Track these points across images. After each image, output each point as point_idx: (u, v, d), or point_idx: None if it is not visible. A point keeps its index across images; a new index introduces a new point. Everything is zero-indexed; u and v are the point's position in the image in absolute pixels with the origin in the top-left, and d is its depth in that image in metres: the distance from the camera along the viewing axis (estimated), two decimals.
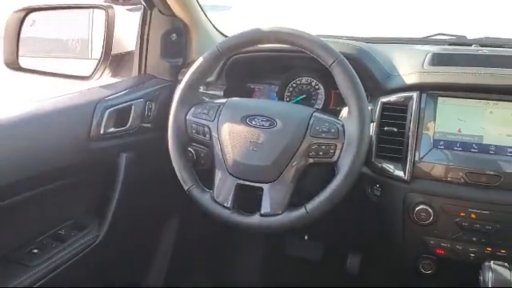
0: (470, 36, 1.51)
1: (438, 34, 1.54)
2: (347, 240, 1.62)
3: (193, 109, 1.11)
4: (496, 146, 1.06)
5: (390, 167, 1.12)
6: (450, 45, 1.48)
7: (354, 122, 1.00)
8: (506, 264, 0.98)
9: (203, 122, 1.09)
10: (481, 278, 0.98)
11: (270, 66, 1.41)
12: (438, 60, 1.23)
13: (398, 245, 1.18)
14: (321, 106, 1.37)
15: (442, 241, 1.11)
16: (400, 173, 1.10)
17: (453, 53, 1.29)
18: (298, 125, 1.04)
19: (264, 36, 1.08)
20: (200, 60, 1.11)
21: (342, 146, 1.01)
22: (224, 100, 1.13)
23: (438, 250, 1.12)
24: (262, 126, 1.05)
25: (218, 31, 1.52)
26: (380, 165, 1.13)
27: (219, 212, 1.06)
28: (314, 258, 1.73)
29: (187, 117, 1.11)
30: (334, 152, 1.01)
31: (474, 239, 1.08)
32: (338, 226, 1.52)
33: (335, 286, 1.60)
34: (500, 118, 1.07)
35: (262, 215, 1.04)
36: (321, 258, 1.72)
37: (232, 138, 1.06)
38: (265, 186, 1.04)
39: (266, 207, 1.04)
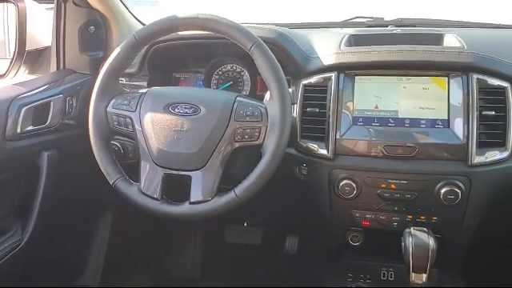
0: (387, 18, 1.58)
1: (357, 17, 1.60)
2: (284, 222, 1.65)
3: (113, 100, 1.09)
4: (410, 119, 1.12)
5: (314, 146, 1.15)
6: (368, 27, 1.54)
7: (275, 105, 1.02)
8: (424, 229, 1.05)
9: (124, 113, 1.07)
10: (402, 243, 1.03)
11: (195, 54, 1.40)
12: (355, 41, 1.28)
13: (327, 220, 1.22)
14: (248, 92, 1.39)
15: (367, 213, 1.16)
16: (323, 151, 1.14)
17: (368, 33, 1.35)
18: (222, 110, 1.05)
19: (181, 23, 1.07)
20: (117, 50, 1.08)
21: (266, 129, 1.02)
22: (145, 89, 1.11)
23: (364, 221, 1.18)
24: (186, 113, 1.04)
25: (140, 22, 1.49)
26: (305, 145, 1.16)
27: (147, 203, 1.05)
28: (254, 243, 1.75)
29: (108, 109, 1.08)
30: (259, 134, 1.03)
31: (396, 208, 1.14)
32: (273, 210, 1.55)
33: (275, 268, 1.64)
34: (413, 93, 1.13)
35: (191, 203, 1.04)
36: (260, 242, 1.74)
37: (155, 127, 1.05)
38: (193, 174, 1.04)
39: (195, 195, 1.04)
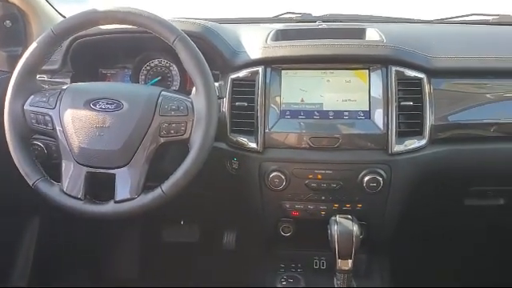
0: (316, 13, 1.62)
1: (286, 13, 1.63)
2: (220, 218, 1.66)
3: (31, 98, 1.04)
4: (334, 111, 1.15)
5: (244, 140, 1.16)
6: (297, 22, 1.57)
7: (201, 98, 1.02)
8: (349, 216, 1.08)
9: (43, 110, 1.03)
10: (329, 231, 1.06)
11: (122, 49, 1.37)
12: (282, 36, 1.30)
13: (259, 213, 1.24)
14: (177, 87, 1.37)
15: (296, 203, 1.19)
16: (253, 144, 1.15)
17: (295, 28, 1.37)
18: (146, 105, 1.03)
19: (102, 16, 1.04)
20: (34, 45, 1.03)
21: (193, 123, 1.02)
22: (65, 86, 1.07)
23: (294, 212, 1.20)
24: (108, 109, 1.02)
25: (63, 16, 1.43)
26: (235, 139, 1.17)
27: (70, 204, 1.02)
28: (191, 240, 1.74)
29: (25, 107, 1.04)
30: (185, 129, 1.02)
31: (323, 198, 1.17)
32: (208, 206, 1.55)
33: (213, 265, 1.64)
34: (336, 86, 1.17)
35: (116, 202, 1.01)
36: (198, 239, 1.74)
37: (76, 124, 1.01)
38: (117, 172, 1.02)
39: (120, 193, 1.02)
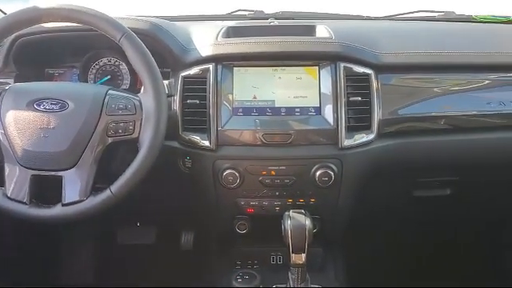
0: (268, 11, 1.63)
1: (239, 10, 1.63)
2: (177, 218, 1.64)
3: None
4: (286, 107, 1.16)
5: (196, 138, 1.15)
6: (250, 19, 1.58)
7: (149, 97, 1.00)
8: (302, 211, 1.09)
9: None
10: (282, 226, 1.07)
11: (68, 48, 1.32)
12: (233, 33, 1.29)
13: (214, 211, 1.23)
14: (128, 86, 1.35)
15: (251, 200, 1.19)
16: (206, 142, 1.14)
17: (246, 25, 1.38)
18: (92, 104, 1.00)
19: (44, 13, 1.00)
20: None
21: (141, 122, 1.00)
22: (7, 86, 1.03)
23: (249, 209, 1.21)
24: (52, 109, 0.99)
25: (4, 13, 1.37)
26: (187, 137, 1.16)
27: (15, 208, 0.98)
28: (148, 242, 1.71)
29: None
30: (134, 128, 1.00)
31: (277, 193, 1.18)
32: (164, 206, 1.53)
33: (170, 266, 1.62)
34: (287, 82, 1.18)
35: (64, 205, 0.98)
36: (154, 241, 1.71)
37: (18, 126, 0.98)
38: (64, 174, 0.99)
39: (68, 195, 0.99)
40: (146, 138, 0.99)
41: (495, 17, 1.57)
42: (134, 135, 1.00)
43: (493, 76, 1.25)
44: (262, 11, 1.62)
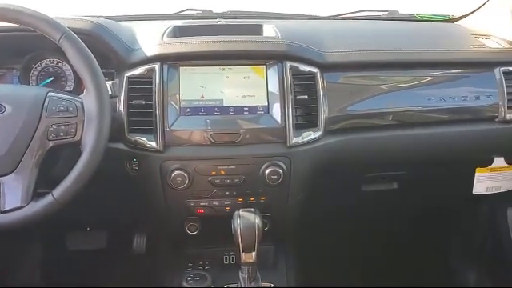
0: (216, 10, 1.62)
1: (187, 10, 1.62)
2: (128, 221, 1.61)
3: None
4: (234, 107, 1.16)
5: (143, 139, 1.13)
6: (198, 19, 1.56)
7: (91, 98, 0.98)
8: (252, 209, 1.09)
9: None
10: (232, 225, 1.07)
11: (6, 49, 1.26)
12: (179, 32, 1.28)
13: (164, 213, 1.22)
14: (72, 88, 1.30)
15: (201, 201, 1.18)
16: (153, 143, 1.12)
17: (193, 25, 1.37)
18: (31, 107, 0.97)
19: None
20: None
21: (83, 124, 0.98)
22: None
23: (199, 210, 1.19)
24: None
25: None
26: (133, 138, 1.13)
27: None
28: (99, 247, 1.67)
29: None
30: (76, 131, 0.98)
31: (227, 193, 1.18)
32: (113, 210, 1.49)
33: (122, 271, 1.59)
34: (235, 82, 1.17)
35: (3, 212, 0.94)
36: (106, 245, 1.67)
37: None
38: (3, 179, 0.95)
39: (7, 202, 0.95)
40: (89, 140, 0.96)
41: (436, 15, 1.64)
42: (76, 138, 0.97)
43: (435, 73, 1.29)
44: (210, 11, 1.61)
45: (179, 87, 1.15)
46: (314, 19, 1.59)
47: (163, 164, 1.14)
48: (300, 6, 1.67)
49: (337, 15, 1.60)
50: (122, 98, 1.14)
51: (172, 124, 1.13)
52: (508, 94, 1.27)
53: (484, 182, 1.36)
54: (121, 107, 1.13)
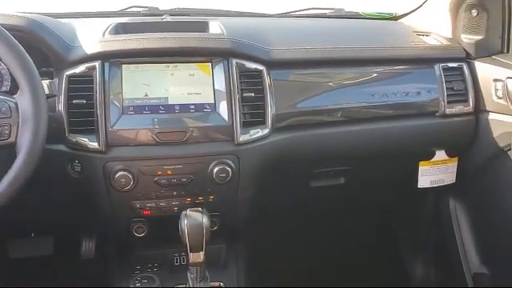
0: (163, 7, 1.59)
1: (132, 7, 1.58)
2: (74, 225, 1.55)
3: None
4: (180, 104, 1.14)
5: (84, 140, 1.09)
6: (143, 16, 1.53)
7: (26, 98, 0.93)
8: (200, 209, 1.07)
9: None
10: (179, 226, 1.05)
11: None
12: (122, 29, 1.25)
13: (109, 216, 1.18)
14: (8, 88, 1.23)
15: (147, 202, 1.16)
16: (95, 144, 1.09)
17: (137, 22, 1.33)
18: None
19: None
20: None
21: (18, 125, 0.93)
22: None
23: (145, 211, 1.17)
24: None
25: None
26: (74, 139, 1.09)
27: None
28: (45, 253, 1.60)
29: None
30: (10, 132, 0.93)
31: (175, 193, 1.15)
32: (58, 213, 1.43)
33: (71, 276, 1.53)
34: (180, 79, 1.15)
35: None
36: (52, 251, 1.60)
37: None
38: None
39: None
40: (25, 142, 0.92)
41: (380, 14, 1.68)
42: (11, 140, 0.93)
43: (379, 69, 1.32)
44: (156, 8, 1.58)
45: (121, 85, 1.12)
46: (261, 17, 1.59)
47: (106, 165, 1.10)
48: (248, 4, 1.67)
49: (284, 13, 1.61)
50: (62, 97, 1.10)
51: (114, 123, 1.09)
52: (447, 89, 1.31)
53: (428, 176, 1.40)
54: (60, 107, 1.09)
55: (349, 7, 1.68)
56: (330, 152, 1.31)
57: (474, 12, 1.35)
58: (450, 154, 1.41)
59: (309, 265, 1.66)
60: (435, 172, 1.41)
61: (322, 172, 1.38)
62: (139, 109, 1.12)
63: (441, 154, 1.40)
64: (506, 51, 1.37)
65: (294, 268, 1.61)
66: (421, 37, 1.44)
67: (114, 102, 1.10)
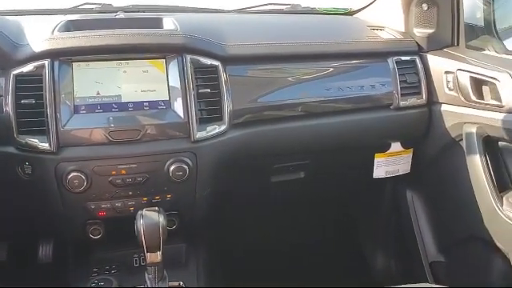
0: (117, 4, 1.56)
1: (85, 4, 1.54)
2: (29, 229, 1.49)
3: None
4: (133, 102, 1.11)
5: (34, 141, 1.06)
6: (97, 13, 1.49)
7: None
8: (156, 208, 1.06)
9: None
10: (135, 226, 1.03)
11: None
12: (73, 26, 1.22)
13: (63, 218, 1.15)
14: None
15: (102, 202, 1.13)
16: (45, 145, 1.06)
17: (88, 19, 1.30)
18: None
19: None
20: None
21: None
22: None
23: (101, 212, 1.14)
24: None
25: None
26: (24, 141, 1.06)
27: None
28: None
29: None
30: None
31: (130, 193, 1.13)
32: (12, 218, 1.38)
33: (28, 283, 1.48)
34: (133, 76, 1.13)
35: None
36: (6, 258, 1.54)
37: None
38: None
39: None
40: None
41: (336, 9, 1.70)
42: None
43: (335, 64, 1.33)
44: (110, 4, 1.55)
45: (72, 84, 1.09)
46: (217, 12, 1.58)
47: (58, 166, 1.07)
48: (204, 0, 1.65)
49: (240, 9, 1.60)
50: (10, 97, 1.06)
51: (66, 123, 1.06)
52: (401, 82, 1.34)
53: (383, 167, 1.43)
54: (8, 108, 1.06)
55: (305, 3, 1.69)
56: (289, 146, 1.32)
57: (425, 6, 1.38)
58: (405, 146, 1.44)
59: (271, 261, 1.66)
60: (390, 163, 1.44)
61: (282, 167, 1.38)
62: (91, 107, 1.09)
63: (396, 146, 1.43)
64: (456, 44, 1.41)
65: (256, 265, 1.61)
66: (375, 31, 1.46)
67: (65, 101, 1.07)
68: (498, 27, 1.40)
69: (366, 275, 1.75)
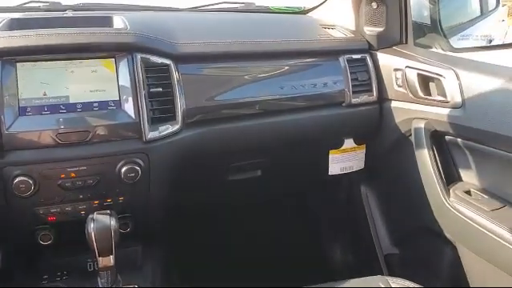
0: (66, 2, 1.51)
1: (31, 2, 1.48)
2: None
3: None
4: (82, 103, 1.08)
5: None
6: (44, 11, 1.44)
7: None
8: (108, 211, 1.03)
9: None
10: (86, 230, 1.00)
11: None
12: (17, 25, 1.17)
13: (10, 224, 1.11)
14: None
15: (52, 207, 1.09)
16: None
17: (34, 17, 1.26)
18: None
19: None
20: None
21: None
22: None
23: (50, 217, 1.10)
24: None
25: None
26: None
27: None
28: None
29: None
30: None
31: (81, 196, 1.10)
32: None
33: None
34: (82, 76, 1.10)
35: None
36: None
37: None
38: None
39: None
40: None
41: (289, 8, 1.71)
42: None
43: (288, 62, 1.34)
44: (58, 3, 1.50)
45: (17, 85, 1.05)
46: (170, 11, 1.56)
47: (3, 170, 1.03)
48: None
49: (193, 7, 1.59)
50: None
51: (10, 126, 1.02)
52: (352, 79, 1.37)
53: (337, 163, 1.46)
54: None
55: (259, 1, 1.70)
56: (245, 145, 1.32)
57: (374, 5, 1.42)
58: (358, 142, 1.47)
59: (229, 261, 1.66)
60: (344, 159, 1.46)
61: (238, 165, 1.38)
62: (38, 109, 1.05)
63: (349, 142, 1.45)
64: (404, 42, 1.45)
65: (213, 266, 1.61)
66: (327, 30, 1.48)
67: (9, 102, 1.03)
68: (443, 25, 1.44)
69: (325, 268, 1.77)
